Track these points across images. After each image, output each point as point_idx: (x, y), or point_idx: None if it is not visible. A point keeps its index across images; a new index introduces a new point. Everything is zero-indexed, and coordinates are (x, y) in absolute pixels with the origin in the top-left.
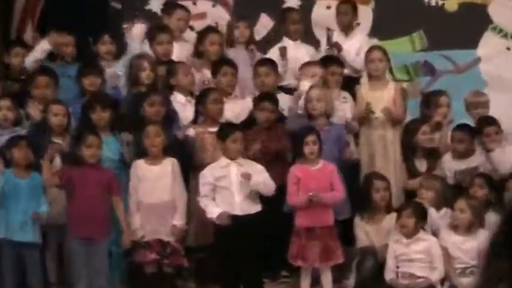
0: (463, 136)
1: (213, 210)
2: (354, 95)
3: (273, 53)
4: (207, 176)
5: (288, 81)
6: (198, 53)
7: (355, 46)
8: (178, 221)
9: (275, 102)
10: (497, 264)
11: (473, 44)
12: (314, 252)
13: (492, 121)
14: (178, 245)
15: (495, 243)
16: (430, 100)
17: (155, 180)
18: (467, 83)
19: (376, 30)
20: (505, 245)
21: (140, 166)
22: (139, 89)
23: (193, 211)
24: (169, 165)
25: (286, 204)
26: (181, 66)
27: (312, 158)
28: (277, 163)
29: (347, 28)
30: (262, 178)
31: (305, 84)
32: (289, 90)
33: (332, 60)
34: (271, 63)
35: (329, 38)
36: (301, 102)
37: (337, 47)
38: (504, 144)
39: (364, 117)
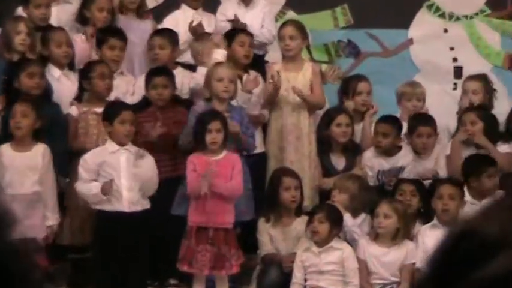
0: (388, 130)
1: (92, 185)
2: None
3: (168, 22)
4: (88, 161)
5: (187, 56)
6: (82, 18)
7: (258, 17)
8: (52, 221)
9: (170, 77)
10: None
11: (404, 23)
12: (205, 258)
13: (427, 121)
14: (44, 242)
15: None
16: (348, 86)
17: (22, 169)
18: (396, 68)
19: (293, 2)
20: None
21: (5, 152)
22: (12, 57)
23: (70, 205)
24: (39, 152)
25: (175, 206)
26: (56, 33)
27: (214, 148)
28: (174, 153)
29: None
30: (150, 173)
31: (217, 56)
32: (188, 67)
33: (240, 30)
34: (168, 34)
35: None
36: (198, 80)
37: (236, 22)
38: (436, 148)
39: (272, 97)
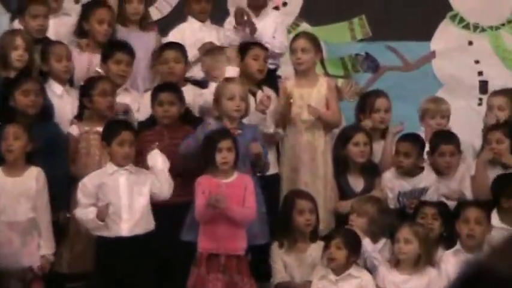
0: (410, 149)
1: (88, 211)
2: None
3: (174, 36)
4: (87, 184)
5: (193, 72)
6: (81, 31)
7: (269, 28)
8: (46, 249)
9: (177, 93)
10: None
11: (426, 35)
12: (216, 287)
13: (450, 138)
14: (41, 271)
15: None
16: (365, 102)
17: (14, 195)
18: (417, 82)
19: (307, 13)
20: None
21: None
22: (9, 74)
23: (69, 231)
24: (32, 177)
25: (185, 232)
26: (56, 47)
27: (225, 168)
28: (183, 175)
29: (260, 7)
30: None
31: (229, 74)
32: (197, 83)
33: (254, 43)
34: (180, 47)
35: (240, 16)
36: (207, 98)
37: (250, 26)
38: (461, 167)
39: (284, 115)
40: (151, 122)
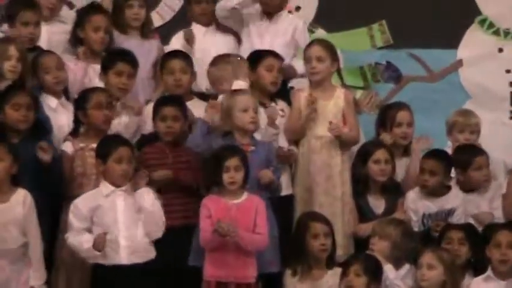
0: (436, 167)
1: (83, 239)
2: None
3: (177, 43)
4: (80, 206)
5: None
6: (76, 40)
7: (283, 34)
8: (36, 280)
9: (181, 107)
10: None
11: (453, 42)
12: None
13: (481, 151)
14: None
15: None
16: (386, 116)
17: (1, 223)
18: (443, 94)
19: (323, 18)
20: None
21: None
22: (0, 86)
23: (62, 258)
24: (19, 201)
25: (192, 257)
26: (44, 58)
27: (232, 188)
28: (186, 197)
29: (274, 11)
30: (152, 208)
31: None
32: (201, 97)
33: (267, 51)
34: (186, 56)
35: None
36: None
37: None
38: (491, 185)
39: (298, 130)
40: (153, 137)
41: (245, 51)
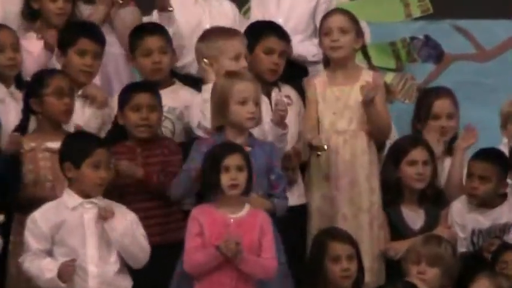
0: (488, 171)
1: (44, 266)
2: (302, 94)
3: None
4: (39, 222)
5: (183, 62)
6: (29, 12)
7: (302, 6)
8: None
9: (157, 95)
10: None
11: (508, 11)
12: None
13: None
14: None
15: None
16: (421, 105)
17: None
18: (496, 76)
19: None
20: None
21: None
22: None
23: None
24: None
25: (176, 284)
26: (2, 32)
27: (234, 193)
28: (164, 207)
29: None
30: (126, 230)
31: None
32: (187, 80)
33: (269, 28)
34: (163, 31)
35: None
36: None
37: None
38: None
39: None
40: (118, 134)
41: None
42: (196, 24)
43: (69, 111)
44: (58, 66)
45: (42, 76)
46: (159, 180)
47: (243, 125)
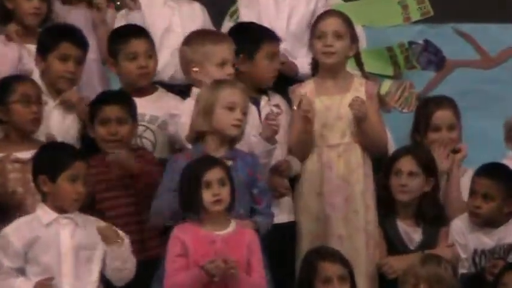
0: (492, 187)
1: (22, 286)
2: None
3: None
4: (11, 239)
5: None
6: (4, 12)
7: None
8: None
9: (129, 106)
10: None
11: None
12: None
13: None
14: None
15: None
16: (421, 116)
17: None
18: (501, 85)
19: None
20: None
21: None
22: None
23: None
24: None
25: None
26: None
27: (217, 209)
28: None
29: None
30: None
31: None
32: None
33: (269, 32)
34: (146, 34)
35: None
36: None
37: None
38: None
39: (302, 134)
40: (90, 146)
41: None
42: (165, 27)
43: (37, 120)
44: (36, 70)
45: (8, 83)
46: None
47: (226, 131)
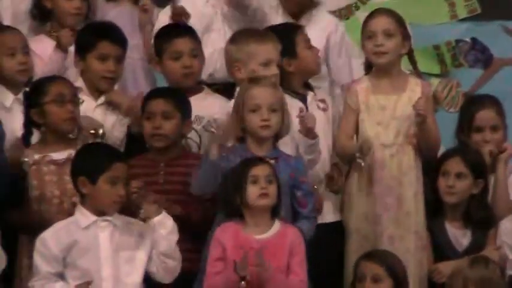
0: None
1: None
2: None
3: (165, 20)
4: (49, 244)
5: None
6: (40, 12)
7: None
8: None
9: (178, 102)
10: None
11: None
12: None
13: None
14: None
15: None
16: (464, 116)
17: None
18: None
19: None
20: None
21: None
22: None
23: None
24: None
25: None
26: (6, 36)
27: (263, 204)
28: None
29: (303, 9)
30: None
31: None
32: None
33: (288, 26)
34: (193, 33)
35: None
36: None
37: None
38: None
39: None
40: (137, 144)
41: None
42: (206, 25)
43: (72, 119)
44: (73, 70)
45: (41, 84)
46: (198, 212)
47: (257, 133)
